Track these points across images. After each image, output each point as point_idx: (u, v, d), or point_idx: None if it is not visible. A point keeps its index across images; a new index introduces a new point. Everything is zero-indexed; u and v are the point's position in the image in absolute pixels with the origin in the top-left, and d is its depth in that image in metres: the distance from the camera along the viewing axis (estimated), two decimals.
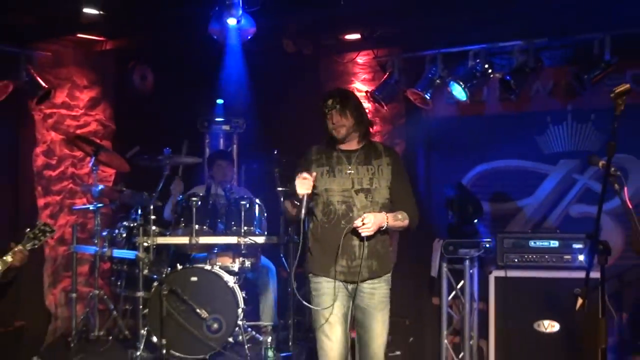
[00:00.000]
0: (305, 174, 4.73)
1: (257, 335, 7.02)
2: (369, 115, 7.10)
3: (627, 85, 4.12)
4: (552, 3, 6.70)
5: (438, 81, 7.75)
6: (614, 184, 4.36)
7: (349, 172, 4.96)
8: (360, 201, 4.90)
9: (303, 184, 4.71)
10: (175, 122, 8.29)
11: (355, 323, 5.08)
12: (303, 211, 4.82)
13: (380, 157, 5.05)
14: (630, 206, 4.55)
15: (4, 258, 4.86)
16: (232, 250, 7.13)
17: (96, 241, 7.42)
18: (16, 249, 4.92)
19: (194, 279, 6.69)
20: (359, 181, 4.94)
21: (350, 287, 4.95)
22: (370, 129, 5.24)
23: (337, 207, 4.92)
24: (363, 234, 4.74)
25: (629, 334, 6.96)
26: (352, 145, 5.06)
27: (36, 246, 5.04)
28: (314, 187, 4.84)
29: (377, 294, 4.99)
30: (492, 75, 7.58)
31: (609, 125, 7.00)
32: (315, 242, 5.03)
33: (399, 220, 4.93)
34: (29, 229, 5.04)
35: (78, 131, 8.36)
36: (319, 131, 7.83)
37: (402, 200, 5.05)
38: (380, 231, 4.87)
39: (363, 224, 4.70)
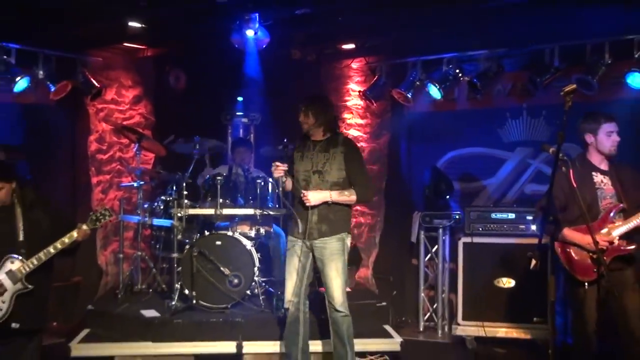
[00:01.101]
0: (277, 163, 5.33)
1: (270, 288, 7.01)
2: (361, 112, 7.50)
3: (574, 86, 4.12)
4: (511, 20, 6.66)
5: (418, 83, 7.75)
6: (561, 168, 4.34)
7: (311, 157, 5.42)
8: (315, 180, 5.37)
9: (275, 170, 5.33)
10: (203, 115, 8.26)
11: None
12: (280, 188, 5.57)
13: (336, 147, 5.39)
14: (575, 185, 4.53)
15: (71, 233, 4.86)
16: (250, 219, 7.11)
17: (139, 212, 7.40)
18: (81, 227, 4.91)
19: (219, 243, 6.68)
20: (316, 164, 5.38)
21: (308, 243, 5.38)
22: (335, 126, 5.53)
23: (301, 184, 5.43)
24: (306, 204, 5.25)
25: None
26: (318, 136, 5.44)
27: (97, 226, 5.02)
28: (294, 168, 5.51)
29: (328, 247, 5.34)
30: (462, 78, 7.58)
31: (557, 119, 7.04)
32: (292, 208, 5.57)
33: (345, 195, 5.32)
34: (92, 212, 5.03)
35: (124, 122, 8.33)
36: None
37: (353, 180, 5.39)
38: (333, 203, 5.32)
39: (306, 197, 5.24)
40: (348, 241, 5.45)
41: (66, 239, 4.83)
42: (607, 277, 4.59)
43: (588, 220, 4.47)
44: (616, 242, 4.68)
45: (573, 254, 4.80)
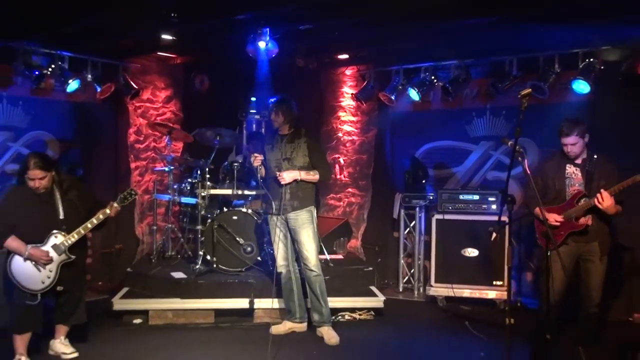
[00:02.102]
0: (255, 154, 5.56)
1: None
2: (353, 111, 7.56)
3: (529, 90, 4.13)
4: (477, 35, 6.61)
5: (400, 87, 7.72)
6: (518, 158, 4.34)
7: (280, 147, 5.59)
8: (285, 165, 5.55)
9: (254, 160, 5.54)
10: (223, 112, 8.22)
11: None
12: (258, 175, 5.65)
13: (300, 138, 5.56)
14: (529, 172, 4.54)
15: (104, 210, 4.92)
16: (260, 199, 7.11)
17: (169, 192, 7.39)
18: (112, 205, 4.96)
19: (235, 217, 6.67)
20: (285, 153, 5.56)
21: (283, 217, 5.58)
22: (297, 122, 5.64)
23: (273, 169, 5.60)
24: (282, 183, 5.44)
25: (523, 257, 6.98)
26: (285, 131, 5.62)
27: (125, 204, 5.06)
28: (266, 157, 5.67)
29: (299, 219, 5.53)
30: (436, 84, 7.55)
31: (514, 118, 7.05)
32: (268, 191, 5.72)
33: (311, 175, 5.54)
34: (120, 193, 5.06)
35: (158, 118, 8.31)
36: (316, 120, 7.82)
37: (316, 164, 5.59)
38: (301, 183, 5.52)
39: (281, 177, 5.43)
40: (315, 213, 5.65)
41: (101, 215, 4.90)
42: (571, 246, 4.76)
43: (539, 202, 4.52)
44: (574, 220, 4.74)
45: (539, 227, 4.83)
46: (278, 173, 5.46)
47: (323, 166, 5.65)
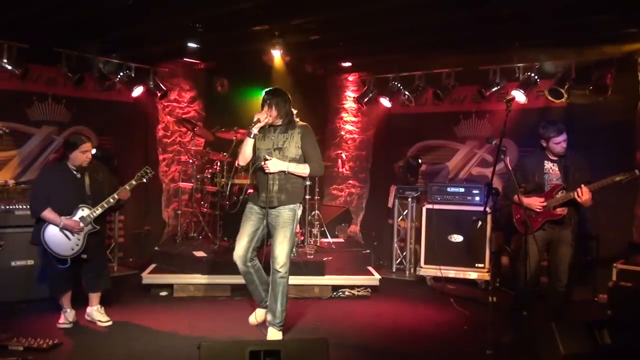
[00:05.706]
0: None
1: None
2: (354, 112, 7.09)
3: (513, 96, 4.09)
4: (465, 48, 6.57)
5: (396, 92, 7.66)
6: (501, 155, 4.31)
7: (272, 137, 4.64)
8: (275, 156, 4.58)
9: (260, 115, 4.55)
10: (239, 111, 8.17)
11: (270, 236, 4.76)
12: (253, 128, 4.54)
13: (294, 129, 4.63)
14: (510, 168, 4.51)
15: (124, 187, 4.97)
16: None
17: (192, 181, 7.39)
18: (131, 183, 5.02)
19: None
20: (277, 143, 4.61)
21: (264, 211, 4.67)
22: (291, 114, 4.69)
23: (262, 159, 4.58)
24: (266, 170, 4.53)
25: (502, 242, 6.93)
26: (278, 122, 4.65)
27: (142, 181, 5.09)
28: (256, 145, 4.67)
29: (280, 216, 4.64)
30: (428, 89, 7.49)
31: (496, 121, 6.98)
32: (253, 182, 4.81)
33: (300, 169, 4.60)
34: (138, 172, 5.09)
35: (183, 116, 8.28)
36: (322, 120, 7.76)
37: (307, 156, 4.64)
38: (291, 176, 4.61)
39: (265, 165, 4.52)
40: (299, 211, 4.75)
41: (120, 191, 4.98)
42: (547, 232, 4.66)
43: (518, 192, 4.53)
44: (552, 209, 4.66)
45: (518, 214, 4.77)
46: (266, 157, 4.56)
47: (316, 160, 4.67)
